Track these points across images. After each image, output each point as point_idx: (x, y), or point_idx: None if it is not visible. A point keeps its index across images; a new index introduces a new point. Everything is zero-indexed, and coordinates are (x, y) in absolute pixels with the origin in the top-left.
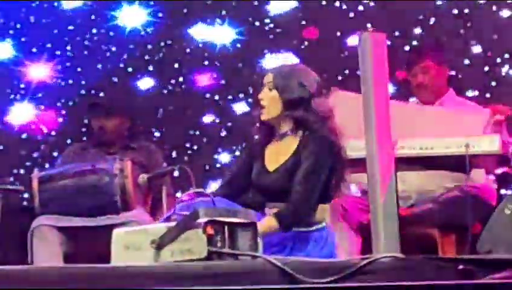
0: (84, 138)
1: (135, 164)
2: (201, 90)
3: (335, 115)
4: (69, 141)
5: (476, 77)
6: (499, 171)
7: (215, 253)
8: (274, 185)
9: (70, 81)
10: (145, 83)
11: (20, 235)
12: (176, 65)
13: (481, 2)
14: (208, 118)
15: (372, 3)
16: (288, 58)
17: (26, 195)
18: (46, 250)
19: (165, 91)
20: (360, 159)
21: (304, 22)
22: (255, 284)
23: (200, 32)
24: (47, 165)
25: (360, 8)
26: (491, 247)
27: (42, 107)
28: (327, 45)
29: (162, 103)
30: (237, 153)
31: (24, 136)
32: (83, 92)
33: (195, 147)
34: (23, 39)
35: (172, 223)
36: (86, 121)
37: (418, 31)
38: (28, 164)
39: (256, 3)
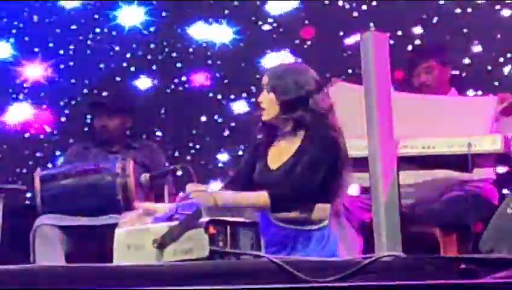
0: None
1: (137, 163)
2: (204, 89)
3: (335, 108)
4: (71, 141)
5: (478, 76)
6: (501, 170)
7: (217, 252)
8: (276, 183)
9: (73, 81)
10: (148, 82)
11: (22, 234)
12: (179, 64)
13: (482, 1)
14: (210, 118)
15: (374, 3)
16: (288, 58)
17: (28, 194)
18: (49, 249)
19: (168, 90)
20: (361, 158)
21: (306, 22)
22: (256, 284)
23: (203, 32)
24: (49, 165)
25: (364, 7)
26: (493, 246)
27: (45, 106)
28: (328, 44)
29: (164, 102)
30: (240, 152)
31: (26, 135)
32: (85, 91)
33: (197, 147)
34: (26, 39)
35: (174, 223)
36: (88, 121)
37: (419, 30)
38: (30, 163)
39: (258, 3)
